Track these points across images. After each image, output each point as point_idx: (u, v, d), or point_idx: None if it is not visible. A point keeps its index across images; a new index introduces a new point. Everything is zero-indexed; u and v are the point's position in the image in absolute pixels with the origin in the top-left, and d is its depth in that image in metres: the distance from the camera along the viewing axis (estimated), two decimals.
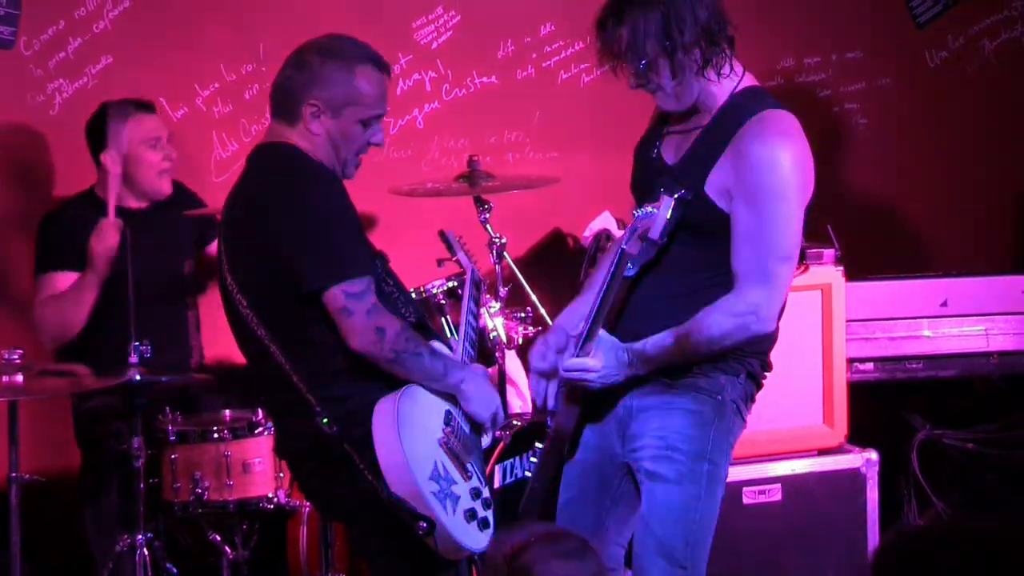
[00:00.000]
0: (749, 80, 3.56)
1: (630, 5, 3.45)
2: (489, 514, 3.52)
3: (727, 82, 3.51)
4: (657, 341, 3.37)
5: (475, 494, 3.51)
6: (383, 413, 3.39)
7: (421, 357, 3.47)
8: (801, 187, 3.44)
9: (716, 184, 3.43)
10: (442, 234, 4.54)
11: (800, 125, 3.50)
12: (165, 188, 4.80)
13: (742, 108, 3.48)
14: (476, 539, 3.44)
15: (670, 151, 3.59)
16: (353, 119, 3.51)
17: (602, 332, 3.34)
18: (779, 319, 3.55)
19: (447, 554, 3.43)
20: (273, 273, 3.43)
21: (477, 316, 4.22)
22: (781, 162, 3.40)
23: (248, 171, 3.62)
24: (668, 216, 3.28)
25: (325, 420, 3.37)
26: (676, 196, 3.33)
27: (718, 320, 3.37)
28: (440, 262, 4.73)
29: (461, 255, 4.43)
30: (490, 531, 3.50)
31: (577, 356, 3.35)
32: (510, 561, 2.53)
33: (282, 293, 3.42)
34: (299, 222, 3.40)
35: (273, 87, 3.62)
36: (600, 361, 3.31)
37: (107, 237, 4.41)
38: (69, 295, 4.62)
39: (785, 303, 3.50)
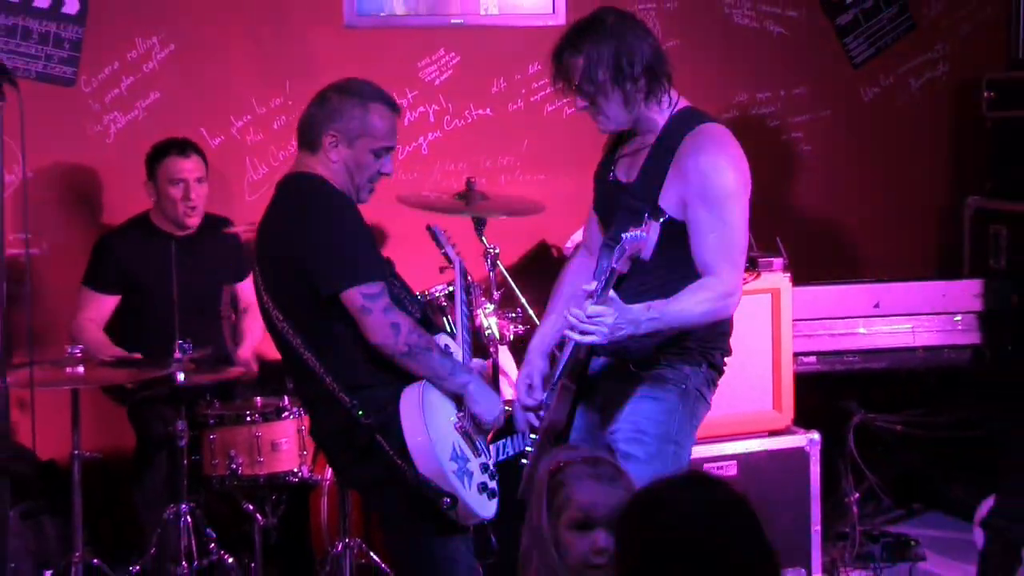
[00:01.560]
0: (684, 103, 3.57)
1: (586, 38, 3.47)
2: (495, 484, 3.57)
3: (666, 107, 3.52)
4: (657, 305, 3.35)
5: (484, 468, 3.57)
6: (410, 400, 3.42)
7: (431, 353, 3.48)
8: (744, 184, 3.48)
9: (668, 197, 3.45)
10: (430, 229, 4.53)
11: (731, 133, 3.53)
12: (189, 222, 4.82)
13: (681, 126, 3.49)
14: (488, 508, 3.53)
15: (623, 171, 3.61)
16: (366, 149, 3.54)
17: (612, 293, 3.30)
18: (732, 322, 3.59)
19: (463, 521, 3.47)
20: (300, 283, 3.44)
21: (469, 304, 4.24)
22: (723, 166, 3.44)
23: (277, 198, 3.64)
24: (656, 239, 3.26)
25: (361, 412, 3.37)
26: (661, 221, 3.32)
27: (701, 297, 3.38)
28: (442, 269, 4.73)
29: (448, 249, 4.42)
30: (496, 500, 3.55)
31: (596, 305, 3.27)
32: (552, 475, 2.57)
33: (308, 299, 3.44)
34: (320, 237, 3.42)
35: (300, 122, 3.63)
36: (613, 314, 3.24)
37: None
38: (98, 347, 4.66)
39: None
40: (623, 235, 3.32)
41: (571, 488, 2.53)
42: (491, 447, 4.31)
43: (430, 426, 3.37)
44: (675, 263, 3.44)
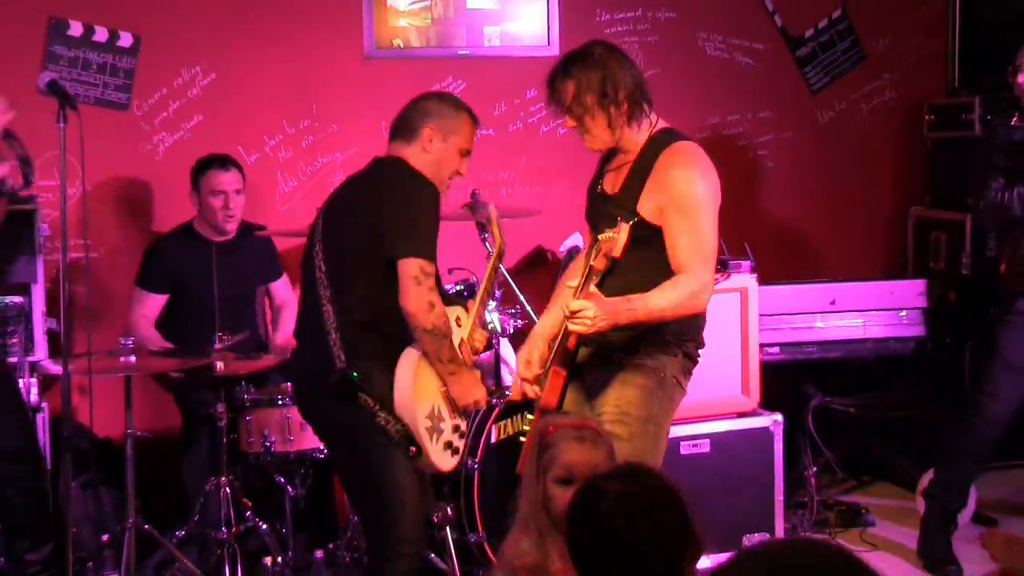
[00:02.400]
0: (662, 124, 3.58)
1: (576, 66, 3.49)
2: (461, 444, 3.65)
3: (646, 128, 3.53)
4: (635, 298, 3.37)
5: (455, 429, 3.59)
6: (407, 360, 3.42)
7: (447, 339, 3.46)
8: (714, 193, 3.49)
9: (646, 206, 3.44)
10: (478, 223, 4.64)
11: (703, 150, 3.53)
12: (228, 228, 4.78)
13: (658, 144, 3.50)
14: (447, 462, 3.57)
15: (608, 184, 3.62)
16: (455, 147, 3.58)
17: (593, 288, 3.34)
18: (705, 317, 3.59)
19: (424, 469, 3.53)
20: (362, 240, 3.44)
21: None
22: (696, 178, 3.45)
23: (368, 172, 3.63)
24: (625, 239, 3.31)
25: (355, 375, 3.38)
26: (629, 223, 3.36)
27: (680, 290, 3.39)
28: (451, 270, 4.71)
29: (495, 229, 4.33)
30: (458, 456, 3.63)
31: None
32: (542, 437, 2.64)
33: (359, 254, 3.45)
34: (405, 208, 3.42)
35: (397, 117, 3.64)
36: (593, 307, 3.26)
37: None
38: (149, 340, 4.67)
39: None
40: (599, 236, 3.40)
41: (557, 449, 2.57)
42: (492, 427, 4.32)
43: (416, 385, 3.39)
44: (654, 264, 3.44)
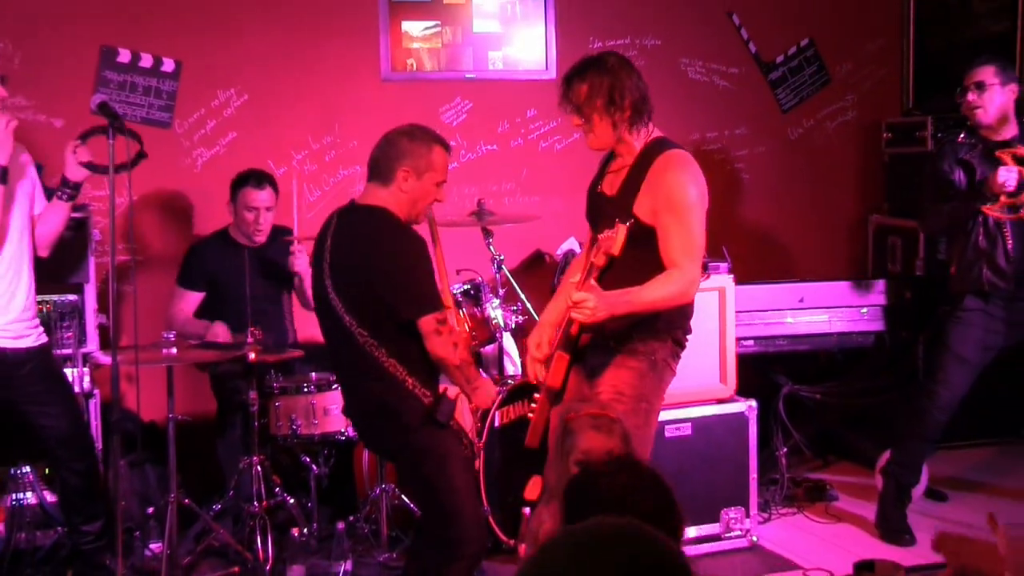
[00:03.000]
0: (658, 133, 3.58)
1: (590, 70, 3.49)
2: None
3: (644, 136, 3.53)
4: (630, 291, 3.38)
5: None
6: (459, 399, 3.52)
7: (471, 366, 3.49)
8: (702, 197, 3.48)
9: (642, 207, 3.43)
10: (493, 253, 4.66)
11: (693, 158, 3.52)
12: (257, 240, 4.78)
13: (653, 151, 3.49)
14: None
15: (607, 186, 3.61)
16: (431, 182, 3.49)
17: (593, 282, 3.34)
18: (692, 308, 3.59)
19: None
20: (376, 301, 3.38)
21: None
22: (687, 183, 3.44)
23: (350, 225, 3.52)
24: (623, 238, 3.31)
25: (438, 411, 3.40)
26: (627, 224, 3.35)
27: (669, 285, 3.40)
28: (459, 271, 4.72)
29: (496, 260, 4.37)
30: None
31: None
32: (565, 424, 2.66)
33: (383, 313, 3.39)
34: (393, 268, 3.38)
35: (371, 160, 3.54)
36: (593, 298, 3.28)
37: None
38: (190, 330, 4.66)
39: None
40: (599, 235, 3.41)
41: (577, 436, 2.56)
42: (496, 413, 4.32)
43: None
44: (648, 261, 3.44)
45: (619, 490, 2.10)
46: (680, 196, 3.43)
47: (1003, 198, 4.26)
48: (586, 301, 3.28)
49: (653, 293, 3.40)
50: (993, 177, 4.22)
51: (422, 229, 3.75)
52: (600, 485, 2.14)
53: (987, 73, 4.39)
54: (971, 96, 4.39)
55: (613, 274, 3.44)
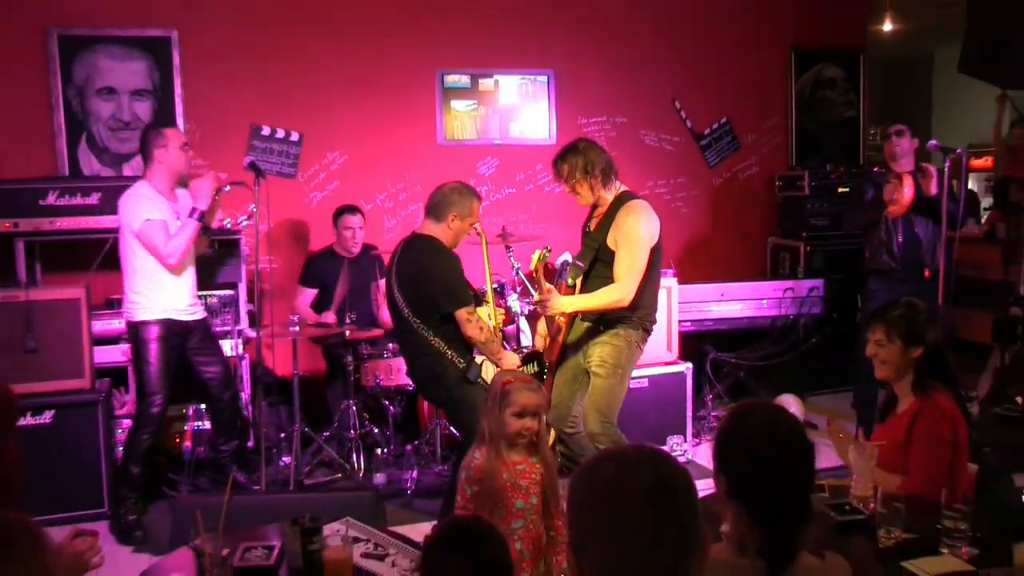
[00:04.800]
0: (624, 187, 3.57)
1: (568, 154, 3.50)
2: None
3: (614, 191, 3.51)
4: (578, 296, 3.45)
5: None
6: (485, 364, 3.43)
7: (495, 343, 3.41)
8: (650, 235, 3.43)
9: (610, 240, 3.43)
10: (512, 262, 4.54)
11: (648, 205, 3.48)
12: (353, 252, 4.75)
13: (620, 201, 3.48)
14: None
15: (592, 225, 3.58)
16: (469, 222, 3.43)
17: (549, 286, 3.44)
18: (655, 313, 3.58)
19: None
20: (428, 300, 3.32)
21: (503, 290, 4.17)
22: (639, 224, 3.41)
23: (411, 245, 3.45)
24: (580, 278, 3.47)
25: (468, 373, 3.30)
26: (583, 263, 3.46)
27: (610, 295, 3.39)
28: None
29: (516, 268, 4.33)
30: None
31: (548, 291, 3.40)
32: (503, 386, 2.41)
33: (431, 308, 3.32)
34: (442, 279, 3.32)
35: (430, 202, 3.43)
36: (551, 299, 3.38)
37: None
38: (306, 317, 4.62)
39: (645, 299, 3.50)
40: (575, 260, 3.51)
41: (514, 394, 2.40)
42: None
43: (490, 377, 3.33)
44: (610, 276, 3.44)
45: (773, 427, 1.64)
46: (632, 233, 3.40)
47: (890, 206, 4.41)
48: (546, 300, 3.38)
49: (592, 300, 3.40)
50: (886, 190, 4.40)
51: (476, 251, 3.74)
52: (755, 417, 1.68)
53: (903, 127, 4.55)
54: (894, 139, 4.51)
55: (588, 284, 3.47)
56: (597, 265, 3.47)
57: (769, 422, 1.63)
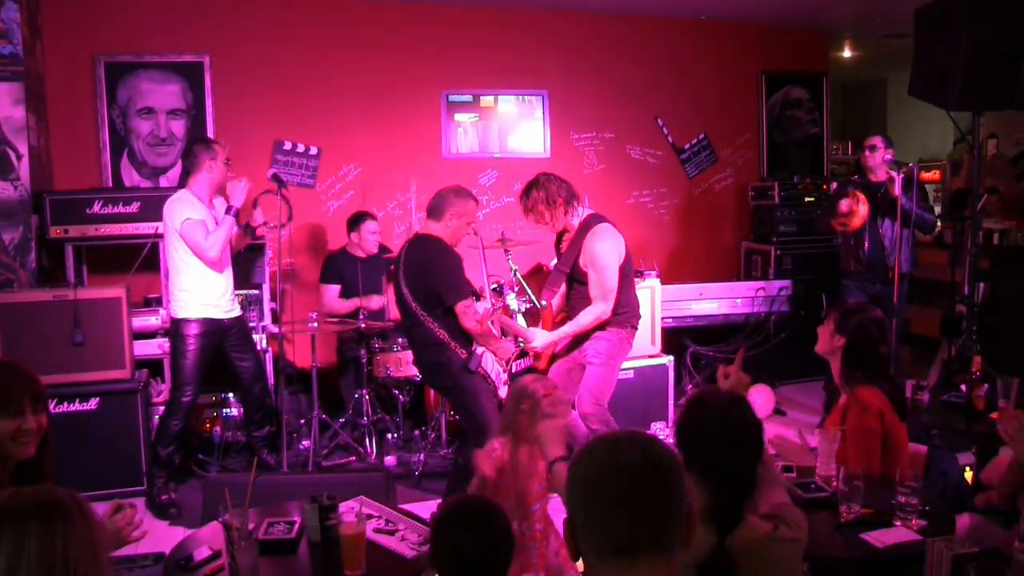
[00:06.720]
0: (589, 211, 3.53)
1: (532, 189, 3.48)
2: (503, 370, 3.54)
3: (578, 216, 3.49)
4: (562, 329, 3.48)
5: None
6: (483, 355, 3.38)
7: (491, 334, 3.40)
8: (617, 255, 3.41)
9: (580, 262, 3.43)
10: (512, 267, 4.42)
11: (611, 228, 3.42)
12: (370, 252, 4.73)
13: (586, 226, 3.46)
14: (502, 391, 3.41)
15: (563, 246, 3.59)
16: (466, 222, 3.38)
17: (541, 329, 3.54)
18: (638, 312, 3.58)
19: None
20: (432, 293, 3.28)
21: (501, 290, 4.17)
22: (604, 250, 3.39)
23: (417, 245, 3.41)
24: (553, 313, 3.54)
25: (468, 363, 3.27)
26: (548, 304, 3.57)
27: (587, 317, 3.42)
28: (489, 276, 4.68)
29: (516, 274, 4.31)
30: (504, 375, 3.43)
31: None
32: (542, 398, 2.41)
33: (435, 301, 3.29)
34: (444, 274, 3.27)
35: (430, 204, 3.37)
36: (540, 341, 3.43)
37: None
38: (341, 308, 4.58)
39: (625, 302, 3.51)
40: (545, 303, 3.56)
41: (560, 418, 2.34)
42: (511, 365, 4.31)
43: (488, 365, 3.32)
44: (580, 296, 3.49)
45: (724, 409, 1.70)
46: (598, 259, 3.40)
47: (841, 217, 4.41)
48: (534, 346, 3.47)
49: (577, 324, 3.43)
50: (846, 203, 4.39)
51: (475, 252, 3.74)
52: (709, 401, 1.74)
53: (877, 140, 4.44)
54: (867, 153, 4.46)
55: (571, 298, 3.53)
56: (574, 285, 3.53)
57: (718, 407, 1.69)
